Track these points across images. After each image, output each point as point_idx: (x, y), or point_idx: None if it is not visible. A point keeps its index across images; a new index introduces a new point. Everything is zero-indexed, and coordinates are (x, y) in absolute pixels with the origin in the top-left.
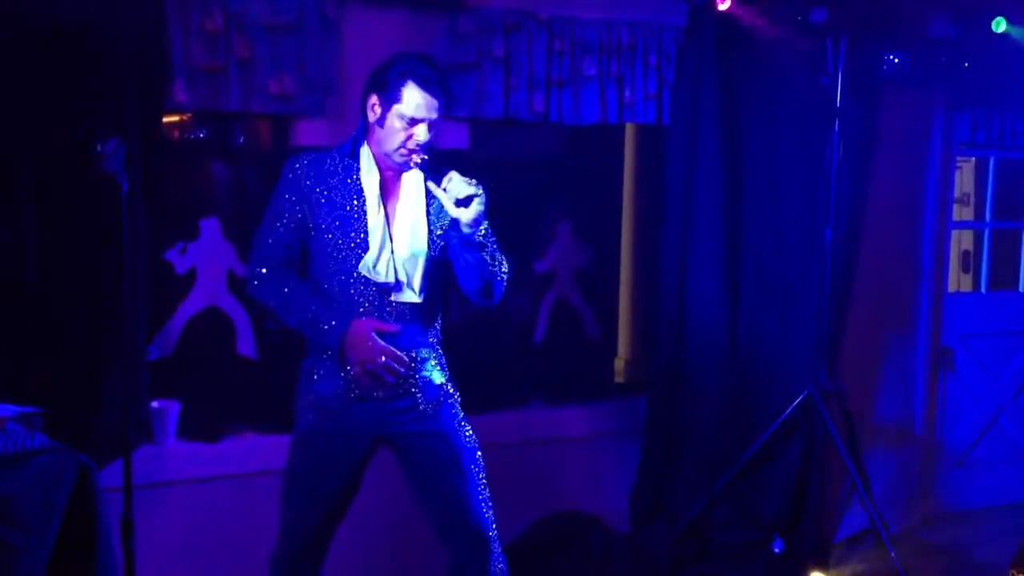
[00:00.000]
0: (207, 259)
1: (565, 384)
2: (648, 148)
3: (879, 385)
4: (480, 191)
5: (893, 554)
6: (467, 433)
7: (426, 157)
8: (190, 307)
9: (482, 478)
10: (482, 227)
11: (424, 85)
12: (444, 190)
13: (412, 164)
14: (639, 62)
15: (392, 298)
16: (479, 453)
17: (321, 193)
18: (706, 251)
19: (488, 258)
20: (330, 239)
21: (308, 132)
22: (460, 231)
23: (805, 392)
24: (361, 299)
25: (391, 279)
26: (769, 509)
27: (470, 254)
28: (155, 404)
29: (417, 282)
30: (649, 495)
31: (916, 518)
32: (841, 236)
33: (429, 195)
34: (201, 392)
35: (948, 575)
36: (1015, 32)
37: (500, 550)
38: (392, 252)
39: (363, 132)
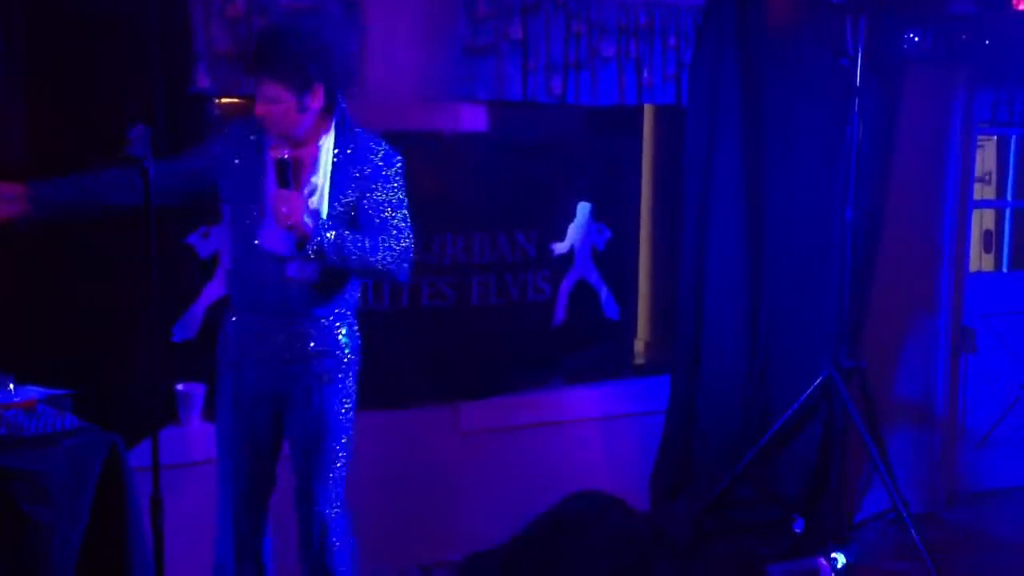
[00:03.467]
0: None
1: (585, 365)
2: (667, 128)
3: (900, 365)
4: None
5: (914, 534)
6: (344, 410)
7: (284, 156)
8: (213, 291)
9: (342, 455)
10: (312, 247)
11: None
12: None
13: (273, 153)
14: (657, 42)
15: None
16: (351, 433)
17: (232, 162)
18: (726, 231)
19: (340, 264)
20: (235, 208)
21: None
22: None
23: (825, 372)
24: (260, 270)
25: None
26: (790, 488)
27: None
28: (180, 387)
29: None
30: (670, 474)
31: (937, 498)
32: (861, 216)
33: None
34: None
35: (969, 555)
36: None
37: (344, 526)
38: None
39: None
